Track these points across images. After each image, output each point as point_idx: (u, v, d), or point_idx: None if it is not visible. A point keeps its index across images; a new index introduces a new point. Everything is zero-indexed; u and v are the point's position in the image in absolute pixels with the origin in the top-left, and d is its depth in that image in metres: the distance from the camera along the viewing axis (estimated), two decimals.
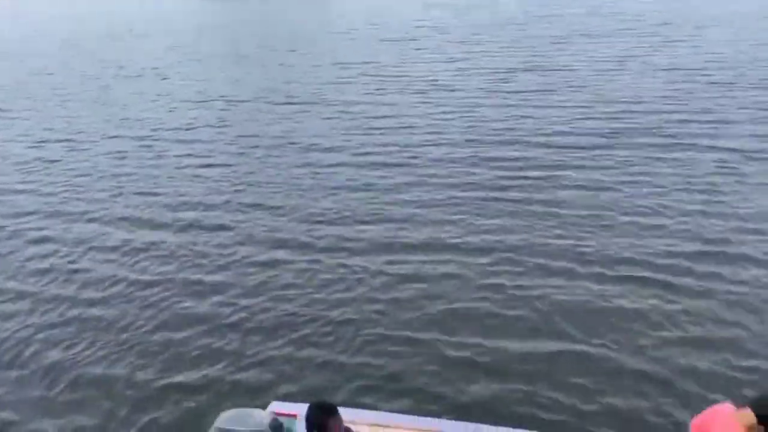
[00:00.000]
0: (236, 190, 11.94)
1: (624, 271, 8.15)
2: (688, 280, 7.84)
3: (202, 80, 23.44)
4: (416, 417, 4.75)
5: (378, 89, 19.63)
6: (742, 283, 7.72)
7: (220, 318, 7.70)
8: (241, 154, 14.21)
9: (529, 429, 4.74)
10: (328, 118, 16.60)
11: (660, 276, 7.94)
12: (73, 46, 35.48)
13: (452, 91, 18.83)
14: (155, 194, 12.01)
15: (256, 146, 14.65)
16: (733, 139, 12.86)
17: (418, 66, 23.12)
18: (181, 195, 11.90)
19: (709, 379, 6.10)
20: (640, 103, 15.93)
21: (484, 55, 24.09)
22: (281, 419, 4.02)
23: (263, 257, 9.15)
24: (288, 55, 27.76)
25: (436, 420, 4.69)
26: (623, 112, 15.28)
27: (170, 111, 18.95)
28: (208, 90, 21.62)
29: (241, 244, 9.65)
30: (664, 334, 6.84)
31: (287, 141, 14.89)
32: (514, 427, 4.75)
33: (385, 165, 12.66)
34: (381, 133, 14.83)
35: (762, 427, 3.26)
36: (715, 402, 3.74)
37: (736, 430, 3.29)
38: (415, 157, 12.99)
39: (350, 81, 21.21)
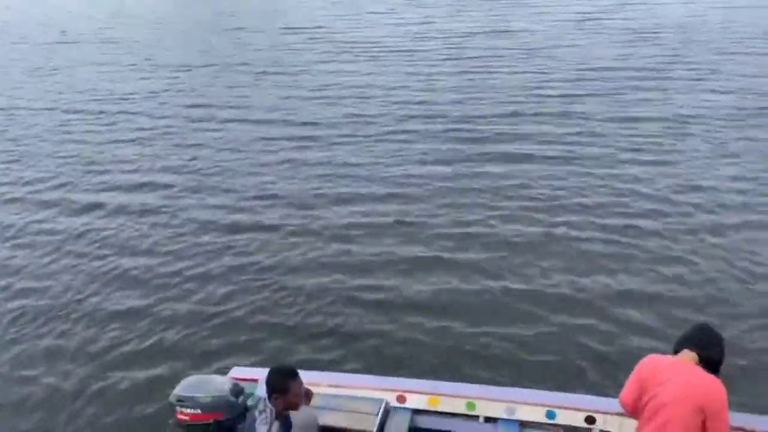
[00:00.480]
0: (184, 162, 11.63)
1: (571, 220, 8.44)
2: (633, 232, 8.10)
3: (149, 47, 22.67)
4: (376, 376, 4.82)
5: (330, 55, 19.33)
6: (682, 238, 7.95)
7: (175, 287, 7.57)
8: (188, 124, 13.78)
9: (486, 384, 4.85)
10: (278, 86, 16.28)
11: (609, 230, 8.17)
12: (12, 10, 33.72)
13: (407, 54, 18.71)
14: (100, 168, 11.57)
15: (204, 117, 14.18)
16: (681, 101, 13.17)
17: (372, 30, 22.86)
18: (125, 165, 11.55)
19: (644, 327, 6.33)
20: (595, 67, 16.05)
21: (440, 19, 23.95)
22: (242, 384, 4.02)
23: (214, 230, 8.95)
24: (235, 20, 27.06)
25: (396, 379, 4.76)
26: (579, 75, 15.42)
27: (116, 79, 18.31)
28: (155, 57, 20.94)
29: (190, 215, 9.41)
30: (609, 281, 7.08)
31: (235, 110, 14.50)
32: (471, 382, 4.87)
33: (338, 135, 12.37)
34: (332, 102, 14.55)
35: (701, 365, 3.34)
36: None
37: (688, 362, 3.35)
38: (369, 124, 12.88)
39: (300, 47, 20.83)
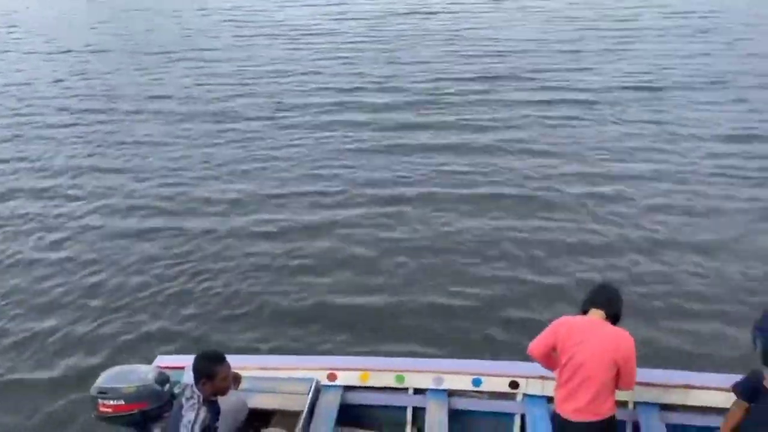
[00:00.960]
0: (92, 150, 11.10)
1: (483, 197, 8.73)
2: (541, 204, 8.49)
3: (51, 30, 21.39)
4: (306, 356, 4.82)
5: (246, 39, 18.84)
6: (586, 208, 8.38)
7: (95, 278, 7.28)
8: (95, 110, 13.12)
9: (415, 356, 4.95)
10: (191, 69, 15.75)
11: (522, 203, 8.53)
12: None
13: (327, 36, 18.53)
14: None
15: (111, 107, 13.42)
16: (594, 78, 13.73)
17: (290, 11, 22.49)
18: (31, 157, 10.95)
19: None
20: (513, 48, 16.42)
21: None
22: (167, 372, 3.92)
23: (125, 218, 8.65)
24: (147, 1, 25.93)
25: (326, 357, 4.79)
26: (500, 56, 15.71)
27: (14, 64, 17.20)
28: (57, 41, 19.78)
29: (101, 205, 8.99)
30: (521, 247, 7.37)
31: (146, 95, 13.93)
32: (404, 356, 4.96)
33: (256, 121, 12.02)
34: (250, 88, 14.11)
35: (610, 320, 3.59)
36: None
37: (598, 320, 3.56)
38: (289, 109, 12.57)
39: (215, 30, 20.21)
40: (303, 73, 14.95)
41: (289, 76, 14.81)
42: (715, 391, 4.08)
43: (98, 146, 11.23)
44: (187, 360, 3.83)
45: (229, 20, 21.41)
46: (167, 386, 3.80)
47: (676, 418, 4.23)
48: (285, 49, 17.28)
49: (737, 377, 3.55)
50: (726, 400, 3.60)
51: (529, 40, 17.18)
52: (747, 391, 3.41)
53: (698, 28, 18.12)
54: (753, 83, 13.15)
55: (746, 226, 7.84)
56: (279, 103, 12.97)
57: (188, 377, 3.64)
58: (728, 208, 8.25)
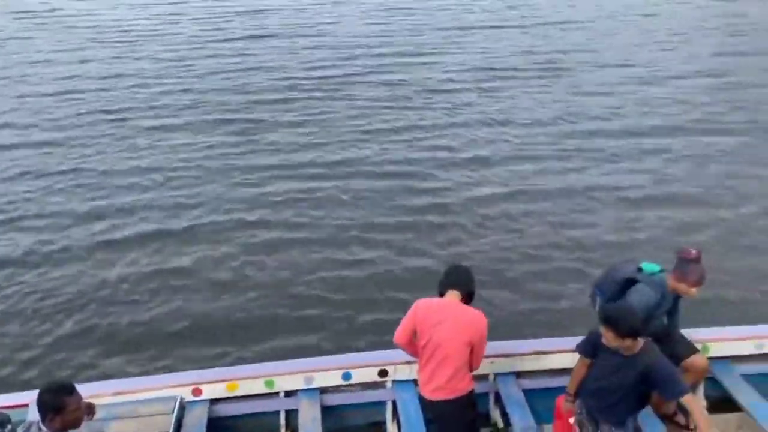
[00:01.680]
0: None
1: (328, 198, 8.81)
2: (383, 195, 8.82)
3: None
4: (167, 374, 4.57)
5: (67, 44, 17.15)
6: (426, 192, 8.86)
7: None
8: None
9: (284, 359, 4.86)
10: (6, 82, 14.09)
11: (365, 199, 8.74)
12: None
13: (160, 38, 17.56)
14: None
15: None
16: (429, 74, 14.34)
17: (115, 12, 21.07)
18: None
19: None
20: (358, 44, 16.60)
21: None
22: (7, 413, 3.54)
23: None
24: None
25: (189, 372, 4.56)
26: (344, 53, 15.80)
27: None
28: None
29: None
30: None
31: None
32: (275, 360, 4.87)
33: (86, 135, 10.95)
34: (76, 98, 12.80)
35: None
36: None
37: (454, 301, 3.72)
38: (123, 120, 11.60)
39: (30, 34, 18.32)
40: (139, 78, 14.05)
41: (121, 83, 13.75)
42: (563, 353, 4.45)
43: None
44: (30, 396, 3.49)
45: (45, 23, 19.60)
46: (8, 428, 3.44)
47: (531, 384, 4.57)
48: (114, 55, 16.04)
49: (581, 338, 3.88)
50: (573, 360, 3.92)
51: (371, 34, 17.55)
52: (588, 349, 3.74)
53: (528, 20, 19.45)
54: (575, 67, 14.53)
55: (574, 202, 8.59)
56: (114, 114, 11.96)
57: (33, 414, 3.31)
58: (556, 187, 8.99)
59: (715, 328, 4.84)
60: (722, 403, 4.60)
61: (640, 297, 3.99)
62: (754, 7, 21.12)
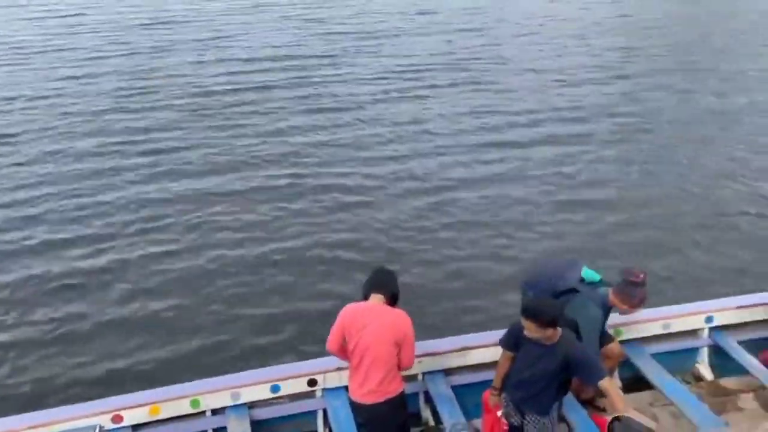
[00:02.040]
0: None
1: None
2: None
3: None
4: (83, 403, 4.30)
5: None
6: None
7: None
8: None
9: (209, 377, 4.71)
10: None
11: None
12: None
13: (56, 53, 16.56)
14: None
15: None
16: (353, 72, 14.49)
17: (12, 25, 19.85)
18: None
19: None
20: (276, 54, 16.39)
21: (90, 10, 21.78)
22: None
23: None
24: None
25: (107, 399, 4.32)
26: (258, 64, 15.54)
27: None
28: None
29: None
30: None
31: None
32: (192, 379, 4.71)
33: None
34: None
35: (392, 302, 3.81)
36: None
37: (378, 304, 3.76)
38: (15, 144, 10.80)
39: None
40: (31, 99, 12.97)
41: (11, 105, 12.68)
42: (487, 348, 4.57)
43: None
44: None
45: None
46: None
47: (459, 380, 4.67)
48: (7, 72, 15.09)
49: (504, 332, 3.98)
50: (497, 354, 4.03)
51: (288, 44, 17.44)
52: (510, 342, 3.86)
53: (441, 25, 19.95)
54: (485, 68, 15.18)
55: (492, 204, 8.85)
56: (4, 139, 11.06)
57: None
58: (476, 192, 9.19)
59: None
60: (635, 382, 4.88)
61: (587, 322, 3.99)
62: (635, 8, 22.77)
